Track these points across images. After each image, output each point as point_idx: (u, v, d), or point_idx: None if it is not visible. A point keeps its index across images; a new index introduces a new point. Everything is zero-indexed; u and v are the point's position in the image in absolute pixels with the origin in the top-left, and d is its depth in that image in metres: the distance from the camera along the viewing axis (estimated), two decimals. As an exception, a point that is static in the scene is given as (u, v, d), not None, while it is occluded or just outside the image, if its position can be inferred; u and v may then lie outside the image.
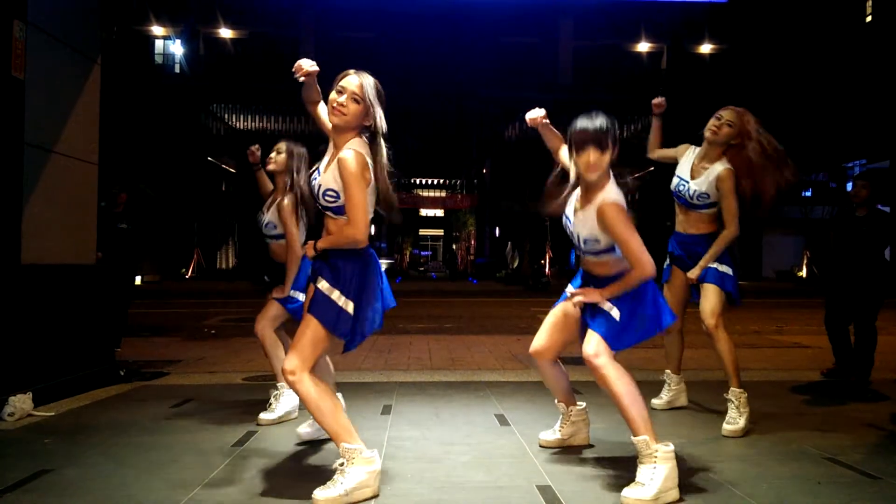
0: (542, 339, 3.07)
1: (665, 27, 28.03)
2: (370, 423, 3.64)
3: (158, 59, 28.38)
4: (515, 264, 25.51)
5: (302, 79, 2.66)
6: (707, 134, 3.62)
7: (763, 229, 26.89)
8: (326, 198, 2.62)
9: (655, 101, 3.89)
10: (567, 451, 3.19)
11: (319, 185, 2.63)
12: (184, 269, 23.66)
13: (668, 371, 4.08)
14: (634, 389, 2.63)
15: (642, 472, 2.55)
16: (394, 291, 2.82)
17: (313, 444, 3.30)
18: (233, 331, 8.34)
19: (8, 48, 3.80)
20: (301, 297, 3.60)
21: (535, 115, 3.07)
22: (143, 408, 4.08)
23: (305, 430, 3.33)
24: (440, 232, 47.18)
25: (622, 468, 2.87)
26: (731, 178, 3.52)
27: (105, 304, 4.94)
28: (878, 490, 2.68)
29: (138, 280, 15.11)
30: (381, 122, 2.64)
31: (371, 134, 2.64)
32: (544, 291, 17.83)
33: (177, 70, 28.25)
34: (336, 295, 2.58)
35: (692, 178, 3.66)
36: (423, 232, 46.79)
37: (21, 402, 3.79)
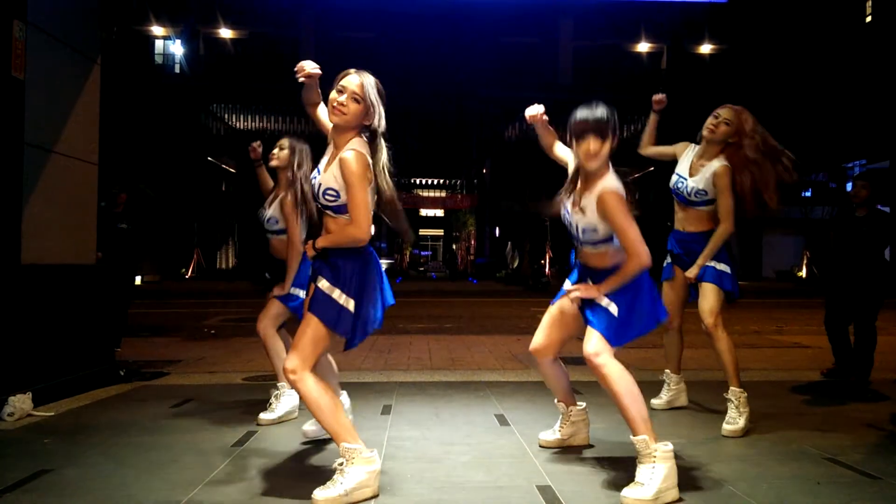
0: (541, 336, 3.08)
1: (665, 27, 28.02)
2: (370, 423, 3.64)
3: (158, 59, 28.35)
4: (515, 264, 25.50)
5: (303, 79, 2.66)
6: (704, 132, 3.65)
7: (763, 229, 26.90)
8: (327, 197, 2.62)
9: (656, 97, 3.90)
10: (567, 451, 3.19)
11: (320, 185, 2.63)
12: (184, 269, 23.65)
13: (667, 371, 4.09)
14: (635, 389, 2.63)
15: (641, 471, 2.55)
16: (394, 292, 2.82)
17: (313, 444, 3.30)
18: (233, 331, 8.34)
19: (8, 48, 3.80)
20: (302, 293, 3.61)
21: (535, 111, 3.06)
22: (143, 408, 4.08)
23: (310, 428, 3.33)
24: (440, 232, 47.19)
25: (622, 468, 2.86)
26: (727, 174, 3.53)
27: (105, 304, 4.94)
28: (878, 490, 2.68)
29: (138, 280, 15.11)
30: (382, 122, 2.64)
31: (371, 133, 2.64)
32: (544, 291, 17.82)
33: (177, 70, 28.23)
34: (337, 294, 2.59)
35: (690, 175, 3.69)
36: (423, 232, 46.78)
37: (21, 402, 3.79)
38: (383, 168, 2.64)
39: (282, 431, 3.54)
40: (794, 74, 23.37)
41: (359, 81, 2.61)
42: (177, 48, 28.11)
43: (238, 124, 29.13)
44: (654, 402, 4.01)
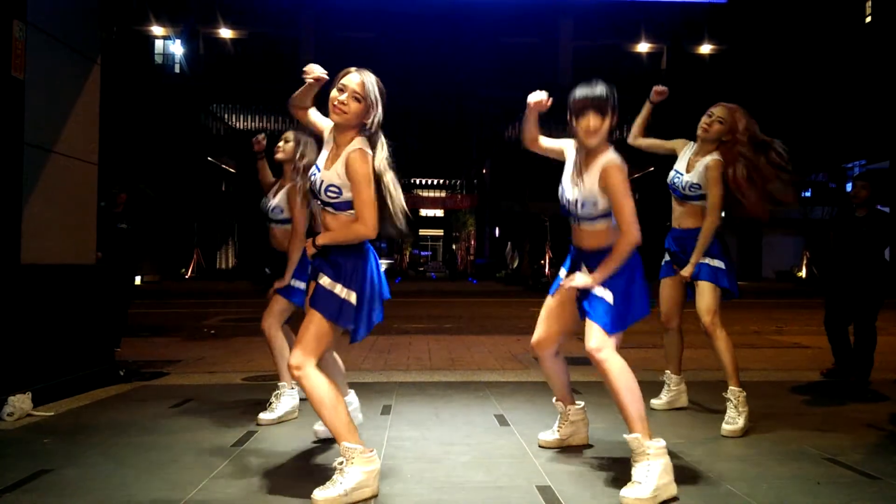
0: (540, 330, 3.11)
1: (665, 27, 28.01)
2: (370, 423, 3.63)
3: (158, 59, 28.33)
4: (515, 264, 25.49)
5: (310, 81, 2.68)
6: (699, 131, 3.70)
7: (763, 229, 26.89)
8: (328, 193, 2.62)
9: (658, 88, 3.87)
10: (567, 451, 3.19)
11: (322, 181, 2.64)
12: (184, 269, 23.64)
13: (667, 371, 4.08)
14: (635, 386, 2.64)
15: (637, 470, 2.56)
16: (394, 292, 2.83)
17: (313, 444, 3.30)
18: (233, 331, 8.34)
19: (8, 48, 3.80)
20: (302, 285, 3.62)
21: (541, 97, 2.83)
22: (143, 408, 4.08)
23: (321, 427, 3.32)
24: (440, 232, 47.17)
25: (621, 468, 2.86)
26: (718, 167, 3.57)
27: (105, 304, 4.94)
28: (877, 490, 2.68)
29: (138, 280, 15.10)
30: (377, 121, 2.63)
31: (371, 132, 2.64)
32: (544, 292, 17.81)
33: (177, 70, 28.21)
34: (339, 288, 2.60)
35: (687, 171, 3.75)
36: (422, 232, 46.77)
37: (20, 402, 3.79)
38: (387, 170, 2.64)
39: (282, 431, 3.54)
40: (794, 74, 23.37)
41: (359, 80, 2.62)
42: (177, 48, 28.09)
43: (238, 124, 29.12)
44: (655, 402, 4.01)
